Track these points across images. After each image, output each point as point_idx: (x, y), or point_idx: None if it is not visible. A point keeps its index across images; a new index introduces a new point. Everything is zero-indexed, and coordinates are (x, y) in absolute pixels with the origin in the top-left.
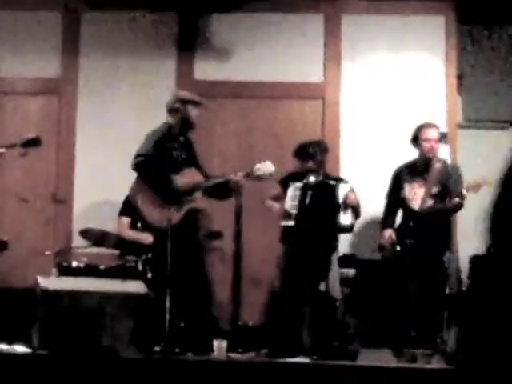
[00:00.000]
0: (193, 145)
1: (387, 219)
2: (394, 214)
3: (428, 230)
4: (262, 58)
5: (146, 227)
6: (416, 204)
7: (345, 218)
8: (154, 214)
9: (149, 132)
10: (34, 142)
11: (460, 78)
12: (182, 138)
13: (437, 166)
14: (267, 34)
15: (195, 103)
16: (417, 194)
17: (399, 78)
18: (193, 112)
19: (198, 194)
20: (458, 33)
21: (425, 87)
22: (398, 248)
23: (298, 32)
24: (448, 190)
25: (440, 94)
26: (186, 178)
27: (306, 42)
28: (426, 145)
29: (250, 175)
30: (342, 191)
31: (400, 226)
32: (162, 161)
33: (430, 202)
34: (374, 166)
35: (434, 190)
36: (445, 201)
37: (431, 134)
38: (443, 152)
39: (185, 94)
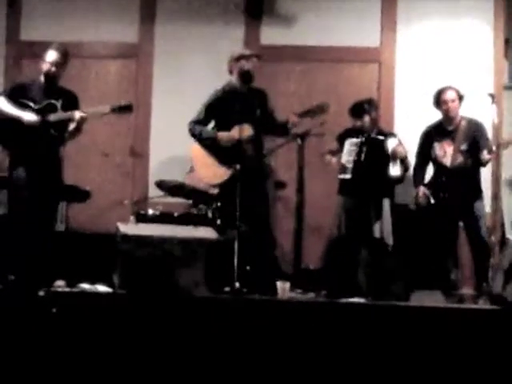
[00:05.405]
0: (263, 98)
1: (418, 176)
2: (424, 172)
3: (459, 184)
4: (324, 24)
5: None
6: (447, 161)
7: (394, 170)
8: (209, 173)
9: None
10: (126, 108)
11: (507, 42)
12: (245, 92)
13: (463, 123)
14: (328, 1)
15: (246, 57)
16: (447, 152)
17: (450, 42)
18: (246, 66)
19: (248, 148)
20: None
21: (474, 51)
22: (433, 201)
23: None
24: (477, 145)
25: (488, 58)
26: (233, 133)
27: (365, 9)
28: (444, 106)
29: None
30: (390, 145)
31: (431, 181)
32: (214, 120)
33: (460, 157)
34: (426, 125)
35: (463, 146)
36: (474, 156)
37: (447, 95)
38: (490, 112)
39: (235, 52)
